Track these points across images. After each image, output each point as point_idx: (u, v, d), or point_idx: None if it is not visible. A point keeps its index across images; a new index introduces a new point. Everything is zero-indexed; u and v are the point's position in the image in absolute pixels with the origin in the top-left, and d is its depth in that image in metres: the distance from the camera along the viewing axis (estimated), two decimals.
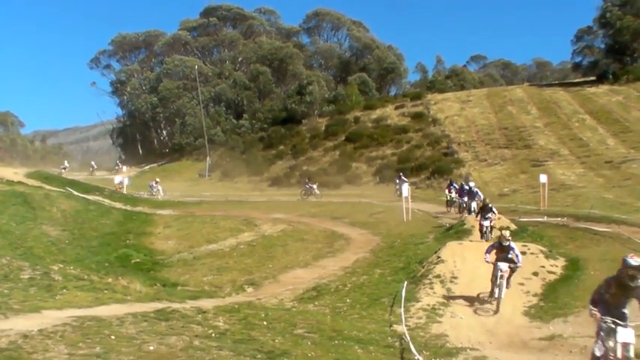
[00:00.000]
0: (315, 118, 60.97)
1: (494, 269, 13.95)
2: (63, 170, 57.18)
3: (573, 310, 13.00)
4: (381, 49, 74.23)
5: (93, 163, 63.70)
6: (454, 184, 30.14)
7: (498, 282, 13.73)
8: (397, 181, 35.72)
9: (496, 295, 13.72)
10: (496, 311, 13.57)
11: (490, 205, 20.75)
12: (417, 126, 52.19)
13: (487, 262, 13.94)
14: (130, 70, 78.15)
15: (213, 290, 17.69)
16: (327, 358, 9.06)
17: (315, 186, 39.04)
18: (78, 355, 7.19)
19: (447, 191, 30.63)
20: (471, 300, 14.13)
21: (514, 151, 43.64)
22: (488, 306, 13.89)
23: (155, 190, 42.14)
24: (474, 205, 25.73)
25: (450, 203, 29.90)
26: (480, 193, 26.42)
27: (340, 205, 33.03)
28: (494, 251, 14.07)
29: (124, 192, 42.80)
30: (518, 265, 14.02)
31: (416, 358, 9.80)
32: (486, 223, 20.14)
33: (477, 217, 21.23)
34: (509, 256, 13.95)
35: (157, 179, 44.33)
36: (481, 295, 14.28)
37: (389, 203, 31.77)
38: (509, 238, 14.14)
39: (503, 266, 13.85)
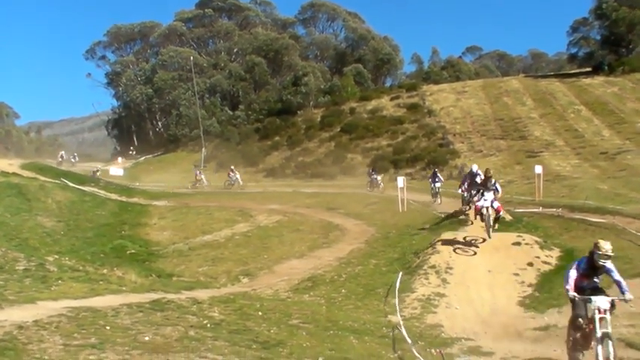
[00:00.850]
0: (310, 109, 60.89)
1: (580, 309, 8.33)
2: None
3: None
4: (376, 40, 74.08)
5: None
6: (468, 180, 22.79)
7: (599, 332, 7.96)
8: (434, 178, 29.92)
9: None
10: None
11: (493, 180, 16.76)
12: (412, 117, 52.27)
13: (570, 295, 8.36)
14: (125, 61, 77.90)
15: (208, 281, 17.69)
16: (322, 348, 9.07)
17: (379, 177, 34.92)
18: (73, 345, 7.18)
19: (460, 190, 22.91)
20: None
21: (509, 142, 43.72)
22: None
23: (234, 179, 41.26)
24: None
25: (465, 202, 21.97)
26: (480, 173, 20.47)
27: (335, 196, 33.03)
28: (576, 276, 8.42)
29: (204, 186, 42.22)
30: (626, 297, 8.16)
31: (411, 347, 9.83)
32: (484, 204, 16.33)
33: (476, 194, 17.51)
34: (599, 283, 8.47)
35: (232, 167, 43.30)
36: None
37: (386, 194, 31.78)
38: (611, 254, 8.22)
39: (602, 303, 8.12)
